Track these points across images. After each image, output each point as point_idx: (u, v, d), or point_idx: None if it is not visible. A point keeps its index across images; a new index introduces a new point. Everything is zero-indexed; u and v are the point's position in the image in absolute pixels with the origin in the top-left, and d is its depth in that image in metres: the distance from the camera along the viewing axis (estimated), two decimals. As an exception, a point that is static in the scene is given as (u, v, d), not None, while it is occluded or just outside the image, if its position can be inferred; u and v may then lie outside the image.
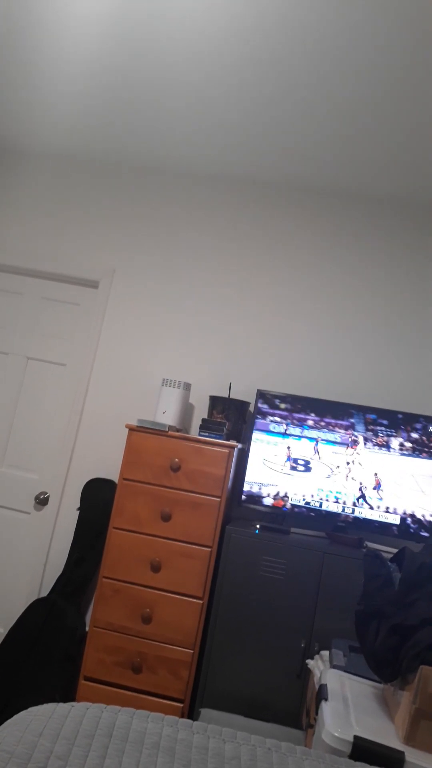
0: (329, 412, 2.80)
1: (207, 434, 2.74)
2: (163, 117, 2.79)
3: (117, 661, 2.56)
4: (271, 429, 2.82)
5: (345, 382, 3.07)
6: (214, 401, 2.91)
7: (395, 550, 2.77)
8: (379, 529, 2.72)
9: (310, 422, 2.78)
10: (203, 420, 2.79)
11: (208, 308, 3.22)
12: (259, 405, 2.83)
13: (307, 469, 2.76)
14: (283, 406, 2.82)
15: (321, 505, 2.76)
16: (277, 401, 2.83)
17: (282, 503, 2.76)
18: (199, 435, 2.74)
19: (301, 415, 2.79)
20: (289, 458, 2.79)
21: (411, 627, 1.62)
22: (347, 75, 2.24)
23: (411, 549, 1.80)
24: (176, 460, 2.65)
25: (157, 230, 3.33)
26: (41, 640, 2.80)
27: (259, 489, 2.79)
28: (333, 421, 2.79)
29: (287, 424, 2.80)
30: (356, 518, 2.74)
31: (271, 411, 2.81)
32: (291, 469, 2.79)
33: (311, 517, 2.76)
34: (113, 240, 3.35)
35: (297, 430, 2.80)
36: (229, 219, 3.29)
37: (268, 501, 2.78)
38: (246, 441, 3.04)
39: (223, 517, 2.63)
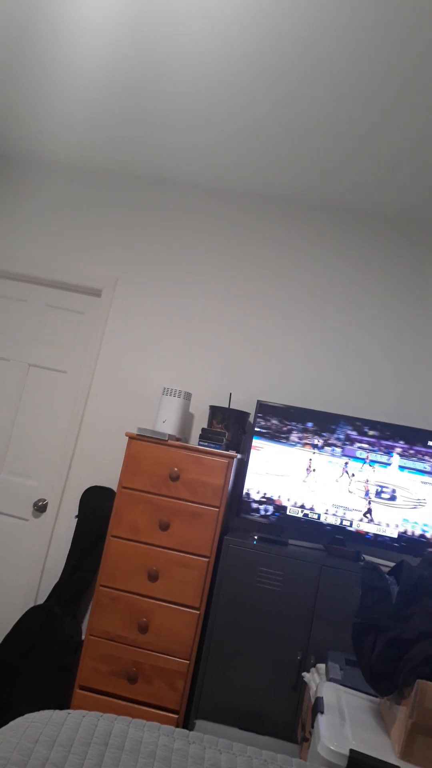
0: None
1: (207, 444, 2.75)
2: (168, 129, 2.82)
3: (112, 671, 2.54)
4: (358, 456, 2.82)
5: (344, 393, 3.08)
6: (214, 411, 2.92)
7: (393, 564, 2.78)
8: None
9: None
10: (203, 429, 2.79)
11: (210, 319, 3.24)
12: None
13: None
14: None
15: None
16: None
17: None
18: (199, 444, 2.74)
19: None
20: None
21: (408, 641, 1.62)
22: (349, 90, 2.27)
23: (409, 562, 1.81)
24: (175, 469, 2.66)
25: (161, 241, 3.35)
26: (37, 648, 2.79)
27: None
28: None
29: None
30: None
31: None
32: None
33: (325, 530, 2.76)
34: (117, 250, 3.38)
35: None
36: (231, 232, 3.31)
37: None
38: (246, 451, 3.05)
39: (221, 527, 2.63)
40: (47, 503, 3.17)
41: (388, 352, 3.10)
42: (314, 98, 2.36)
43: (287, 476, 2.81)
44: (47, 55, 2.45)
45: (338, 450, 2.80)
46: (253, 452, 2.85)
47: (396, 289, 3.15)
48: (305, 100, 2.39)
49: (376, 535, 2.72)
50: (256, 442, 2.86)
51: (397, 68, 2.10)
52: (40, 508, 3.16)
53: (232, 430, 2.88)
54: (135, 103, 2.66)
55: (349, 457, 2.79)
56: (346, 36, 2.00)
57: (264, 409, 2.89)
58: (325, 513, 2.77)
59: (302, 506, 2.78)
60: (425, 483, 2.72)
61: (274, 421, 2.87)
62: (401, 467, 2.75)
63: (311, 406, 3.08)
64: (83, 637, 2.90)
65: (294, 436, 2.84)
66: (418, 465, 2.74)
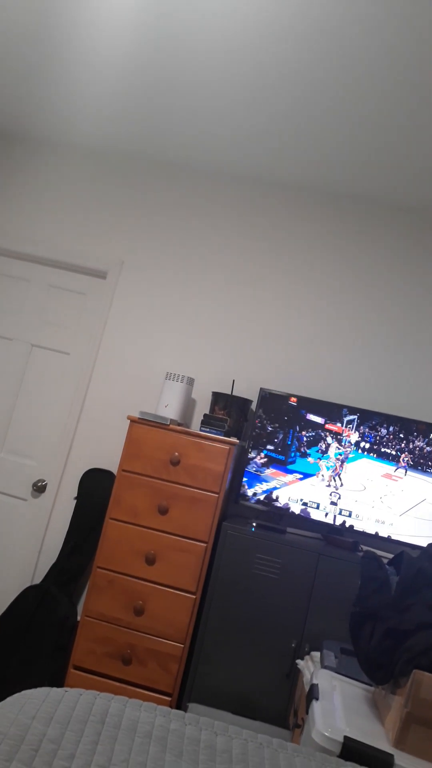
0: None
1: (208, 430, 2.74)
2: (182, 114, 2.78)
3: (107, 652, 2.55)
4: (360, 448, 2.74)
5: (348, 384, 3.07)
6: (217, 397, 2.91)
7: (391, 555, 2.78)
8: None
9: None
10: (205, 415, 2.78)
11: (215, 305, 3.22)
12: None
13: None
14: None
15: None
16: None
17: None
18: (201, 430, 2.73)
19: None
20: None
21: (406, 631, 1.62)
22: (359, 84, 2.24)
23: (409, 553, 1.80)
24: (176, 454, 2.65)
25: (168, 226, 3.33)
26: (32, 627, 2.80)
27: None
28: None
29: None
30: None
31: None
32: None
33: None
34: (123, 232, 3.35)
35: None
36: (238, 218, 3.28)
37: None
38: (247, 440, 3.04)
39: (220, 513, 2.63)
40: (47, 484, 3.17)
41: (401, 343, 3.08)
42: (336, 91, 2.33)
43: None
44: (62, 34, 2.41)
45: (360, 454, 2.79)
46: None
47: (405, 276, 3.13)
48: (330, 91, 2.35)
49: (370, 534, 2.72)
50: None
51: (411, 62, 2.07)
52: (39, 488, 3.16)
53: (234, 416, 2.87)
54: (150, 85, 2.62)
55: (352, 449, 2.78)
56: (376, 27, 1.97)
57: (267, 397, 2.88)
58: (324, 507, 2.76)
59: (301, 500, 2.78)
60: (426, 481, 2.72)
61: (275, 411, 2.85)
62: (389, 457, 2.74)
63: (314, 395, 3.07)
64: (79, 618, 2.90)
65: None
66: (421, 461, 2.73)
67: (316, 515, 2.72)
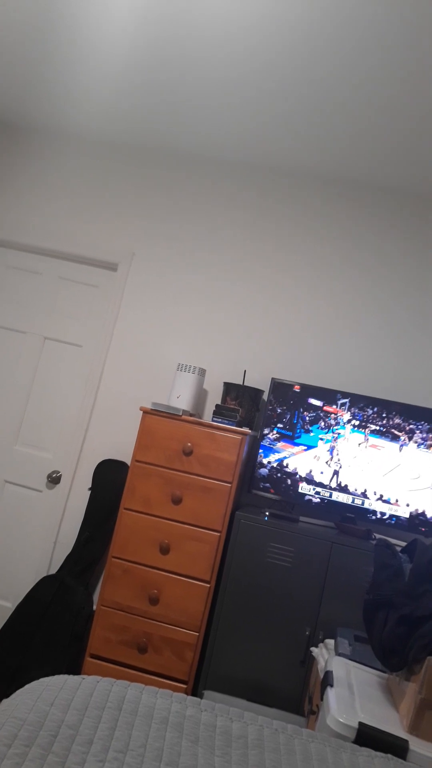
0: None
1: (220, 420, 2.75)
2: (190, 104, 2.76)
3: (123, 641, 2.58)
4: (371, 435, 2.80)
5: (358, 374, 3.06)
6: (228, 388, 2.91)
7: (404, 543, 2.78)
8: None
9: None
10: (217, 406, 2.79)
11: (225, 296, 3.22)
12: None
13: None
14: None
15: None
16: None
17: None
18: (213, 420, 2.74)
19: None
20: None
21: (420, 618, 1.62)
22: (372, 71, 2.22)
23: (423, 541, 1.80)
24: (189, 444, 2.66)
25: (178, 217, 3.32)
26: (48, 616, 2.83)
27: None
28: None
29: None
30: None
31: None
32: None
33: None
34: (134, 224, 3.35)
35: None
36: (247, 209, 3.27)
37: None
38: (259, 429, 3.04)
39: (233, 502, 2.64)
40: (61, 475, 3.20)
41: (412, 333, 3.06)
42: (351, 77, 2.30)
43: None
44: (71, 23, 2.40)
45: (350, 429, 2.79)
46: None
47: (420, 267, 3.10)
48: (351, 77, 2.33)
49: (387, 515, 2.72)
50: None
51: (410, 41, 2.04)
52: (53, 479, 3.19)
53: (245, 407, 2.87)
54: (158, 76, 2.61)
55: (363, 436, 2.78)
56: (390, 13, 1.94)
57: (278, 387, 2.88)
58: (337, 491, 2.77)
59: (314, 483, 2.79)
60: (439, 464, 2.71)
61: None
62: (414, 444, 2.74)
63: (323, 383, 3.07)
64: (95, 607, 2.94)
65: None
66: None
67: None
